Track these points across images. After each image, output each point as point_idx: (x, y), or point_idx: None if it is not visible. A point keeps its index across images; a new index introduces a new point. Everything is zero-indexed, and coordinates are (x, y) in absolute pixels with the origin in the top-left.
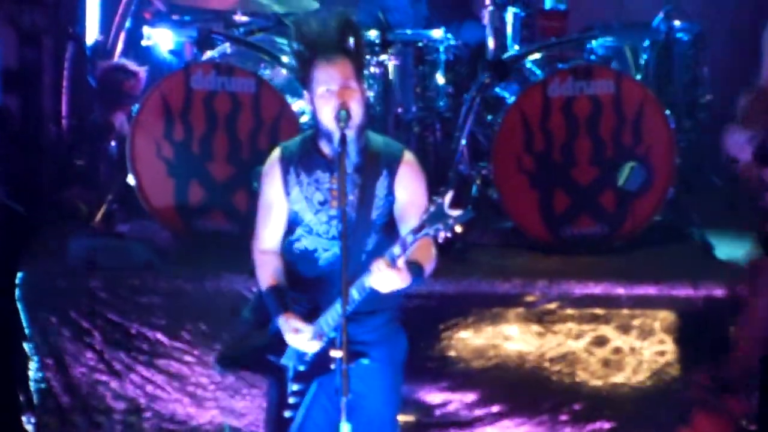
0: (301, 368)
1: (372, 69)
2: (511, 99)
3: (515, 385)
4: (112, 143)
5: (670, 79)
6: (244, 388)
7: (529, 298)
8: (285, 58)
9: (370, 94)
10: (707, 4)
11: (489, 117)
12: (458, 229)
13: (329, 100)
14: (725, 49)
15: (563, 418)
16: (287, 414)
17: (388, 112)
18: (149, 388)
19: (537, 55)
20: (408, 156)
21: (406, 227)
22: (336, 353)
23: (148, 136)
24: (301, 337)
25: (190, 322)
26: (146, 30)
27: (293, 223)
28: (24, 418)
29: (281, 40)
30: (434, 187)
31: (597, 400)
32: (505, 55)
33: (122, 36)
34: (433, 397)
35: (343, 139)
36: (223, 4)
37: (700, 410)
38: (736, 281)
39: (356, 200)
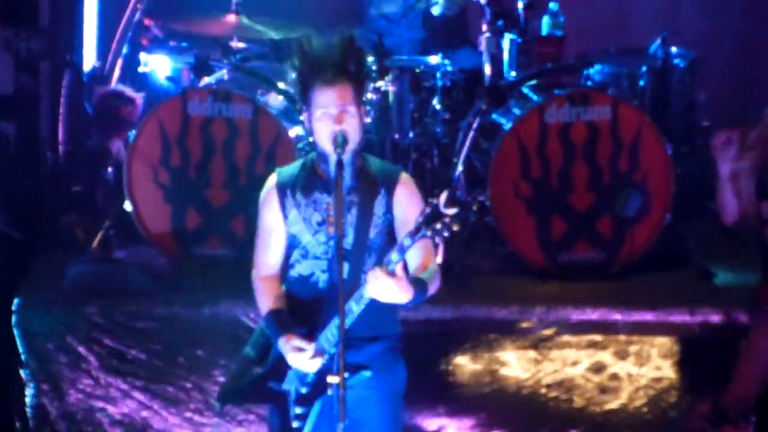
0: (303, 390)
1: (369, 95)
2: (507, 125)
3: (512, 411)
4: (109, 169)
5: (667, 105)
6: (240, 414)
7: (526, 324)
8: (281, 85)
9: (367, 120)
10: (704, 30)
11: (486, 143)
12: (455, 227)
13: (327, 124)
14: (722, 75)
15: None
16: None
17: (385, 138)
18: (145, 413)
19: (534, 82)
20: (405, 176)
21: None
22: (333, 379)
23: (145, 162)
24: (303, 356)
25: (186, 347)
26: (143, 56)
27: (291, 246)
28: None
29: (278, 66)
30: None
31: (594, 426)
32: (502, 82)
33: (119, 62)
34: (430, 422)
35: (339, 164)
36: (220, 30)
37: None
38: (733, 307)
39: (354, 220)
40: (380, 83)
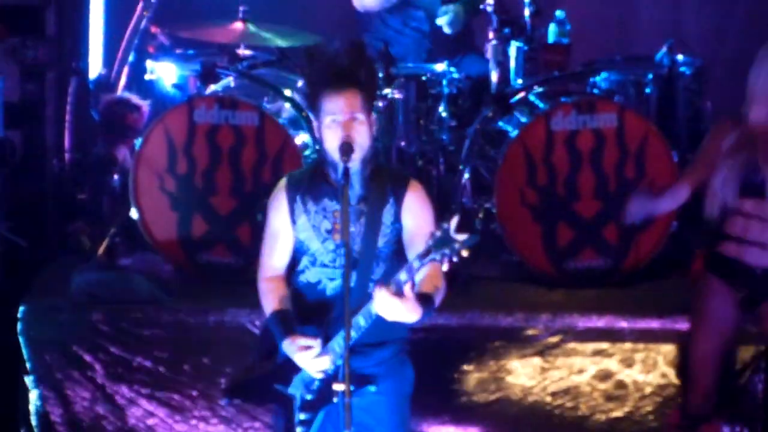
0: (309, 397)
1: (376, 102)
2: (514, 132)
3: (518, 419)
4: (115, 177)
5: (673, 112)
6: (246, 422)
7: (532, 332)
8: (288, 92)
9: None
10: (710, 37)
11: (492, 151)
12: (464, 253)
13: (335, 131)
14: (728, 83)
15: None
16: None
17: (391, 145)
18: (151, 421)
19: (540, 89)
20: (414, 184)
21: (413, 254)
22: (338, 386)
23: (151, 169)
24: (309, 354)
25: (192, 355)
26: (150, 64)
27: (298, 252)
28: None
29: (285, 74)
30: (438, 219)
31: None
32: (508, 89)
33: (125, 70)
34: (435, 430)
35: (345, 171)
36: (226, 37)
37: None
38: None
39: (363, 228)
40: (386, 91)
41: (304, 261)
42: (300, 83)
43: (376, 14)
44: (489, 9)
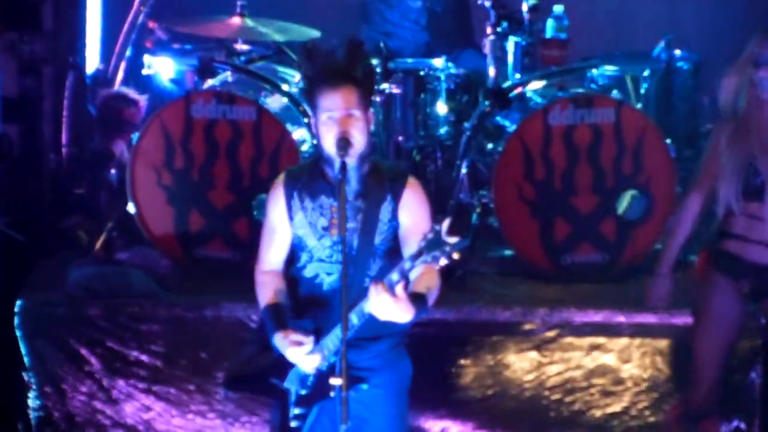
0: (303, 392)
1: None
2: (511, 127)
3: (515, 414)
4: (112, 171)
5: (671, 108)
6: (244, 416)
7: (529, 326)
8: (285, 87)
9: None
10: (707, 33)
11: (489, 145)
12: (456, 256)
13: (331, 127)
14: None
15: None
16: None
17: (389, 140)
18: (148, 415)
19: (538, 84)
20: (413, 181)
21: (409, 252)
22: (335, 381)
23: (149, 164)
24: (301, 350)
25: (189, 349)
26: (147, 58)
27: (297, 248)
28: None
29: (282, 69)
30: (435, 214)
31: (596, 428)
32: (506, 84)
33: (123, 64)
34: (432, 424)
35: (343, 166)
36: (224, 32)
37: None
38: None
39: (359, 225)
40: (384, 85)
41: (304, 257)
42: (297, 78)
43: (374, 8)
44: (487, 4)
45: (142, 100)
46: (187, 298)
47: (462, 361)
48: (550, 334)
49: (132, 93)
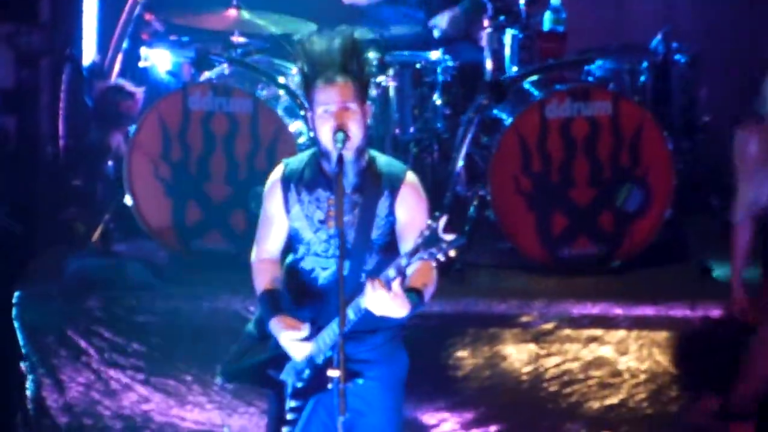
0: (299, 385)
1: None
2: (508, 120)
3: (512, 406)
4: (109, 163)
5: (668, 100)
6: (241, 407)
7: (527, 319)
8: (282, 79)
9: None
10: (704, 25)
11: (486, 138)
12: (452, 253)
13: (327, 121)
14: (723, 70)
15: None
16: (285, 430)
17: (386, 133)
18: (146, 406)
19: (535, 77)
20: (410, 177)
21: (405, 248)
22: (333, 373)
23: (146, 156)
24: (295, 335)
25: (186, 341)
26: (144, 51)
27: (295, 241)
28: None
29: (279, 61)
30: (432, 207)
31: (594, 420)
32: (503, 77)
33: (119, 57)
34: (430, 416)
35: (339, 159)
36: (221, 24)
37: None
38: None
39: (356, 220)
40: (381, 78)
41: (301, 249)
42: (294, 71)
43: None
44: None
45: (139, 92)
46: (184, 289)
47: (459, 353)
48: (548, 326)
49: (129, 85)
